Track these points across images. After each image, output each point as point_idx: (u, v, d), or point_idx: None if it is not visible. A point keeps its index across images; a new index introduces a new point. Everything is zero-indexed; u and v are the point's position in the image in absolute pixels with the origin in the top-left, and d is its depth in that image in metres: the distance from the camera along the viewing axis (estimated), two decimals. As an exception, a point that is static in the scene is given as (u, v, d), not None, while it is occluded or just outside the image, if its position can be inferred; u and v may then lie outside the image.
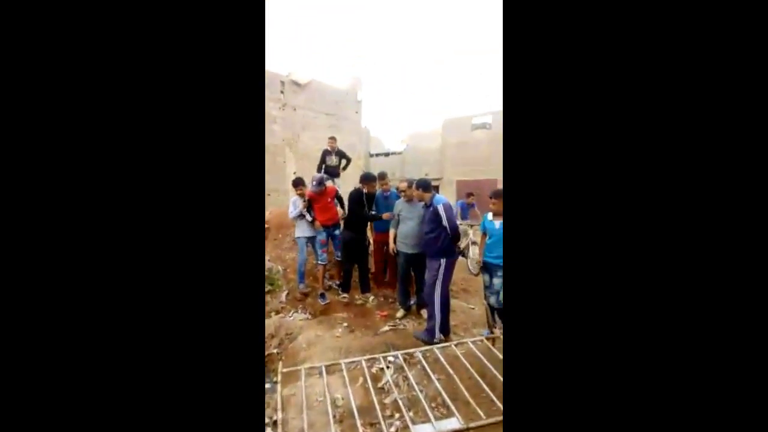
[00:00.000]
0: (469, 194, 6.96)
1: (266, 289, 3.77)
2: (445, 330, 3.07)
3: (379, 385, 2.27)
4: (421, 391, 2.17)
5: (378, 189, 3.82)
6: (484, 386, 2.15)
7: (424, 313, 3.30)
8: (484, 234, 3.18)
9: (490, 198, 3.04)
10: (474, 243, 4.88)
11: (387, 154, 13.71)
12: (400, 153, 14.03)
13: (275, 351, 2.98)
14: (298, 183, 3.81)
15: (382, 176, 3.87)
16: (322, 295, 3.78)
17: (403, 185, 3.42)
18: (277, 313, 3.55)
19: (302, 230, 3.77)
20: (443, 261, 2.95)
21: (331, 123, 9.76)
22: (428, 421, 1.89)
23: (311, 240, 3.85)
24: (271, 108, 8.38)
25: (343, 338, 2.95)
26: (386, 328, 3.19)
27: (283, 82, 8.67)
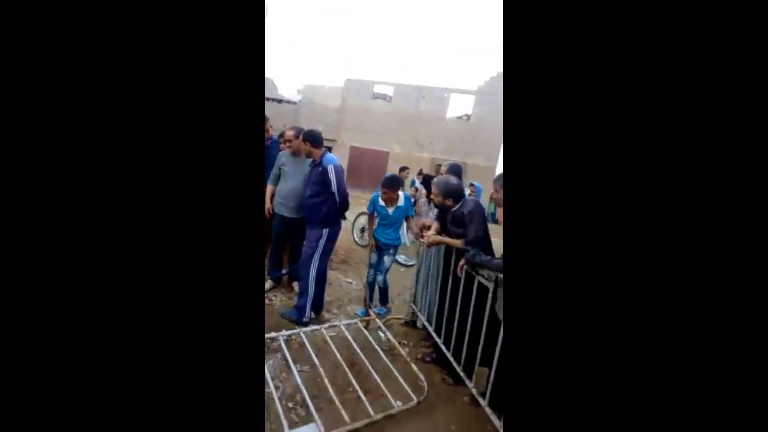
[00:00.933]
0: (404, 168, 6.39)
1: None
2: (318, 307, 2.72)
3: (223, 381, 1.78)
4: (277, 388, 1.78)
5: None
6: (352, 379, 1.88)
7: (296, 286, 2.89)
8: (372, 214, 2.91)
9: (382, 185, 2.75)
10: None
11: (280, 101, 12.32)
12: (295, 103, 12.82)
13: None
14: None
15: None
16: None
17: (290, 134, 2.82)
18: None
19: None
20: (325, 231, 2.54)
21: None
22: (280, 430, 1.52)
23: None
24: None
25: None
26: (247, 302, 2.66)
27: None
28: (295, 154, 2.81)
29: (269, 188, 2.89)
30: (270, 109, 10.75)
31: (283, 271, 3.10)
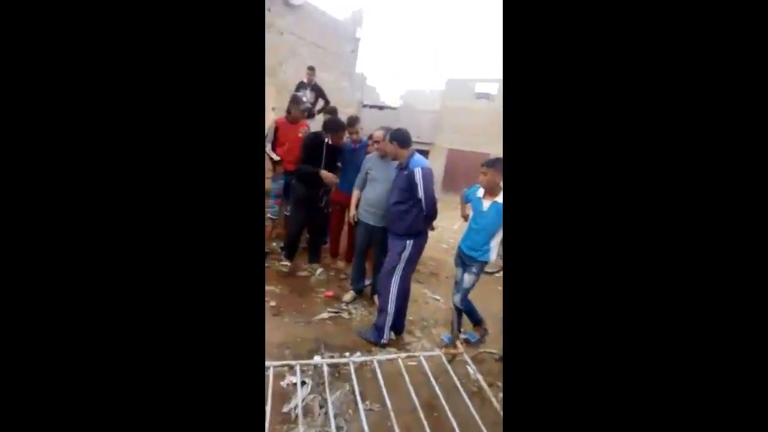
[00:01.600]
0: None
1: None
2: (399, 327, 2.44)
3: (285, 409, 1.61)
4: (339, 429, 1.54)
5: (346, 138, 2.98)
6: (428, 429, 1.53)
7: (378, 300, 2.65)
8: (467, 203, 2.46)
9: (482, 166, 2.26)
10: None
11: (381, 107, 12.59)
12: (394, 108, 12.95)
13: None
14: None
15: (352, 122, 3.01)
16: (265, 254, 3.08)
17: (378, 135, 2.61)
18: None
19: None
20: (410, 243, 2.24)
21: (321, 57, 8.56)
22: (334, 490, 1.26)
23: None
24: (251, 25, 7.12)
25: (261, 323, 2.26)
26: (325, 314, 2.52)
27: (270, -2, 7.34)
28: (384, 156, 2.58)
29: (355, 193, 2.73)
30: (370, 116, 11.03)
31: (366, 282, 2.92)
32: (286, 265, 2.98)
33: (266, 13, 7.36)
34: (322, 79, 7.79)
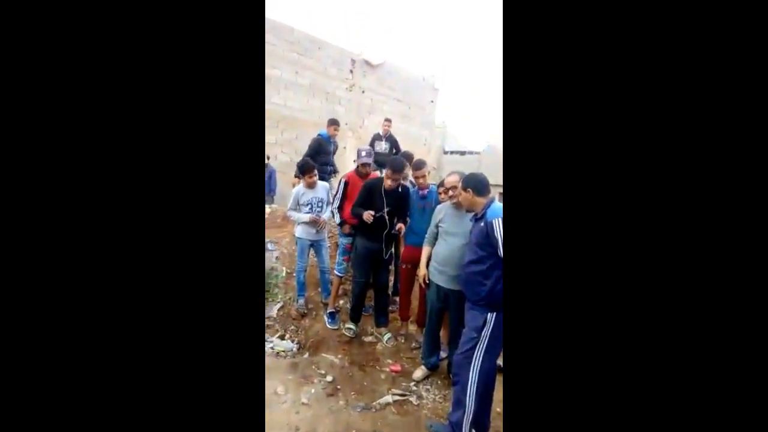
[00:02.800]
0: None
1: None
2: (483, 424, 1.87)
3: None
4: None
5: (408, 182, 2.68)
6: None
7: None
8: None
9: None
10: None
11: (462, 153, 12.26)
12: (477, 153, 12.49)
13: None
14: (307, 168, 2.83)
15: (419, 165, 2.69)
16: (332, 315, 2.82)
17: (451, 180, 2.24)
18: (262, 332, 2.69)
19: (306, 229, 2.82)
20: (491, 316, 1.74)
21: (401, 110, 8.81)
22: None
23: (315, 244, 2.89)
24: (336, 88, 7.69)
25: (311, 407, 1.91)
26: (389, 397, 2.08)
27: (353, 61, 7.91)
28: (458, 206, 2.20)
29: (425, 249, 2.36)
30: (452, 162, 10.77)
31: (442, 355, 2.42)
32: (351, 329, 2.67)
33: (349, 74, 7.93)
34: (404, 130, 7.91)
